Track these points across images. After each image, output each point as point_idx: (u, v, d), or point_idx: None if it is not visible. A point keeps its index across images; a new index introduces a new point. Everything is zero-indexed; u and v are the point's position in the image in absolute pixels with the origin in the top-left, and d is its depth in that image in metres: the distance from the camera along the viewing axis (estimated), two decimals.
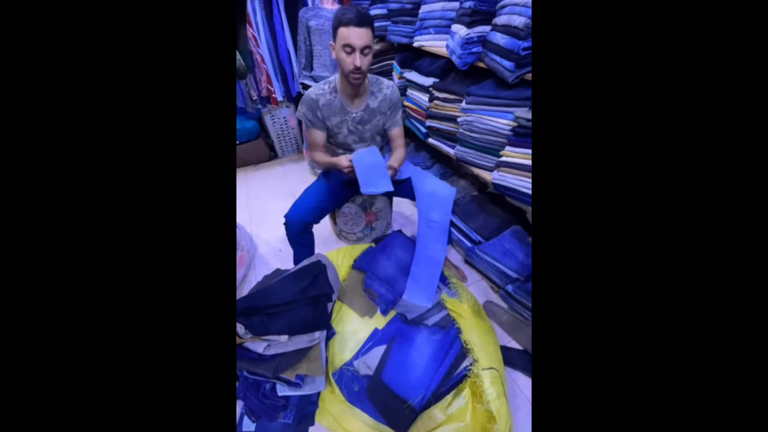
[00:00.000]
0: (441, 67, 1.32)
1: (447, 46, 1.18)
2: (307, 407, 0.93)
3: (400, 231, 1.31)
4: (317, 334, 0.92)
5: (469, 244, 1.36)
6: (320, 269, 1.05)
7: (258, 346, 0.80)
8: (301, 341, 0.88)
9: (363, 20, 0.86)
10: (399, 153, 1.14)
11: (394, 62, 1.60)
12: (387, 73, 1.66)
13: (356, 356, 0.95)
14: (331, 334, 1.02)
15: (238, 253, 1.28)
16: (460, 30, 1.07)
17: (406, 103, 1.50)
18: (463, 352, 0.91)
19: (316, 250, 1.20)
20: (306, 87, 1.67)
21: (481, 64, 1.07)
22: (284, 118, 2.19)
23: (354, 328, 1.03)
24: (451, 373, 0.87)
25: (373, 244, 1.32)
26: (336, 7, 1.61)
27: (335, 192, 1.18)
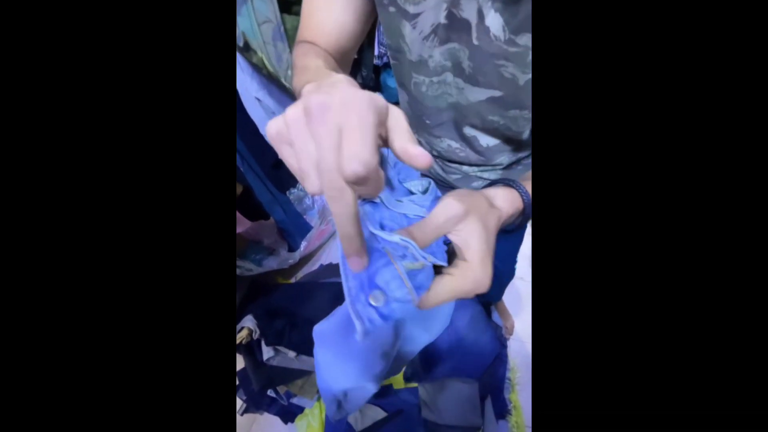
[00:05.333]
0: None
1: None
2: (293, 406, 0.94)
3: None
4: None
5: None
6: None
7: (266, 350, 0.80)
8: (309, 363, 0.86)
9: None
10: None
11: None
12: None
13: None
14: None
15: (321, 227, 1.30)
16: None
17: None
18: None
19: None
20: None
21: None
22: None
23: None
24: None
25: None
26: None
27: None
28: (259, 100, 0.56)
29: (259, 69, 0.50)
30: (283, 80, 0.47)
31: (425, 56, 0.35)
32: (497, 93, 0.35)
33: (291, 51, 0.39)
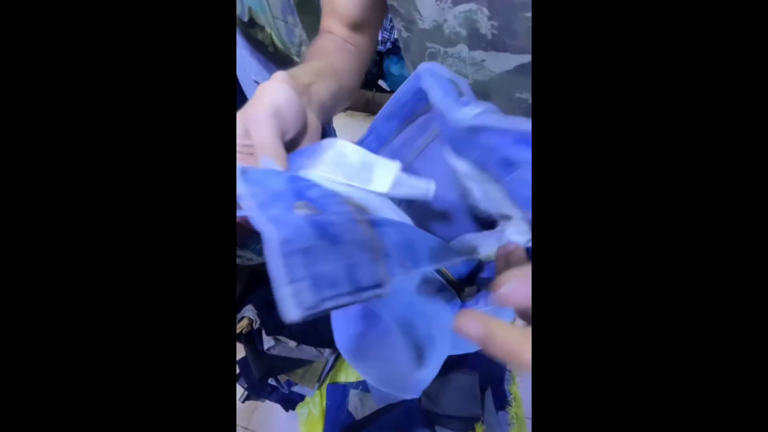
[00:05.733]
0: None
1: None
2: (294, 395, 0.95)
3: None
4: (327, 351, 0.88)
5: None
6: None
7: (266, 340, 0.79)
8: (309, 353, 0.86)
9: None
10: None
11: None
12: None
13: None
14: None
15: None
16: None
17: None
18: None
19: None
20: None
21: None
22: None
23: None
24: None
25: None
26: None
27: None
28: (257, 83, 0.54)
29: (263, 47, 0.47)
30: (295, 58, 0.44)
31: (440, 21, 0.31)
32: (528, 57, 0.30)
33: (302, 25, 0.37)
